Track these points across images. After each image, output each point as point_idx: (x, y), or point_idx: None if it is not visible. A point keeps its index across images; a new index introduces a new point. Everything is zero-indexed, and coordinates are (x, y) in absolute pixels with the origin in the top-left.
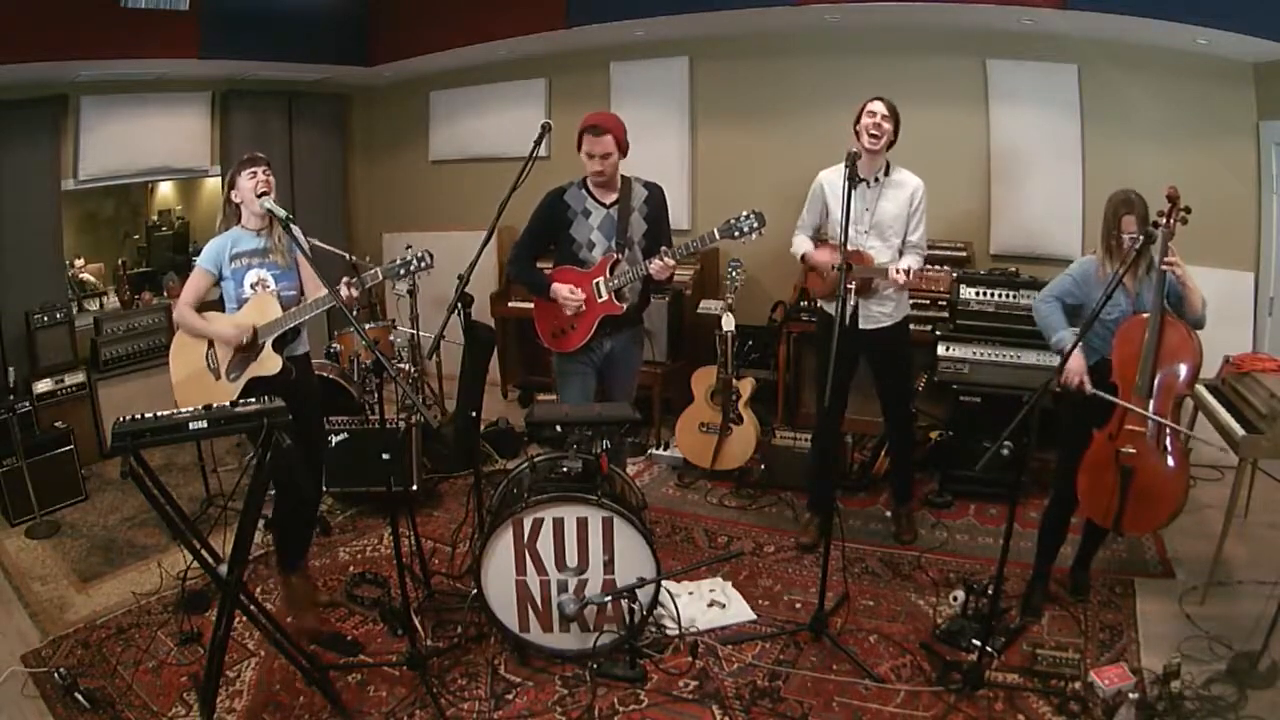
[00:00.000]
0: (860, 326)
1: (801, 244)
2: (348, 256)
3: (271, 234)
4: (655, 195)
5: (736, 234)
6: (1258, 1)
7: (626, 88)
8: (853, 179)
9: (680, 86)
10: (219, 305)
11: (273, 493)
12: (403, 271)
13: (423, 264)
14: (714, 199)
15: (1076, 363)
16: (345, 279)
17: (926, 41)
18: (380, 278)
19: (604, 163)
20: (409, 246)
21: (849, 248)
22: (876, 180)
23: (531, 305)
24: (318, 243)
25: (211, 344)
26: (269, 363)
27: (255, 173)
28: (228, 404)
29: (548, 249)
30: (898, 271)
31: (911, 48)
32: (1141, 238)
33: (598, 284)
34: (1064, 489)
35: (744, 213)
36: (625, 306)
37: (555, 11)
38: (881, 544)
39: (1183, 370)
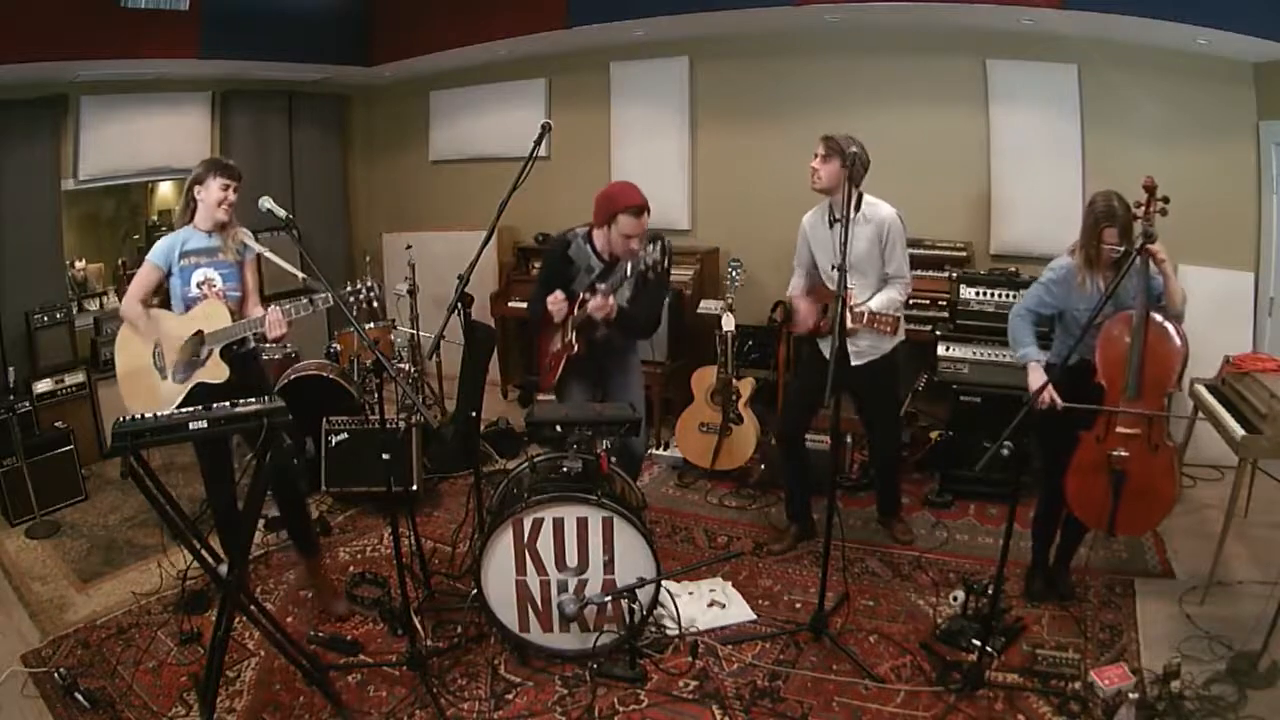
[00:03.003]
0: (852, 364)
1: (795, 285)
2: (300, 276)
3: (224, 235)
4: (662, 249)
5: (644, 267)
6: (1258, 1)
7: (626, 88)
8: (829, 217)
9: (680, 86)
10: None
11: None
12: (352, 299)
13: (372, 292)
14: (714, 199)
15: (1037, 384)
16: (277, 305)
17: (926, 41)
18: (330, 303)
19: (639, 241)
20: (409, 246)
21: (828, 288)
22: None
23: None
24: (273, 257)
25: (158, 343)
26: (216, 371)
27: (229, 186)
28: (227, 404)
29: None
30: (855, 318)
31: (911, 48)
32: (1123, 250)
33: (566, 330)
34: (1051, 490)
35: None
36: (579, 349)
37: (555, 11)
38: (881, 544)
39: (1169, 366)
